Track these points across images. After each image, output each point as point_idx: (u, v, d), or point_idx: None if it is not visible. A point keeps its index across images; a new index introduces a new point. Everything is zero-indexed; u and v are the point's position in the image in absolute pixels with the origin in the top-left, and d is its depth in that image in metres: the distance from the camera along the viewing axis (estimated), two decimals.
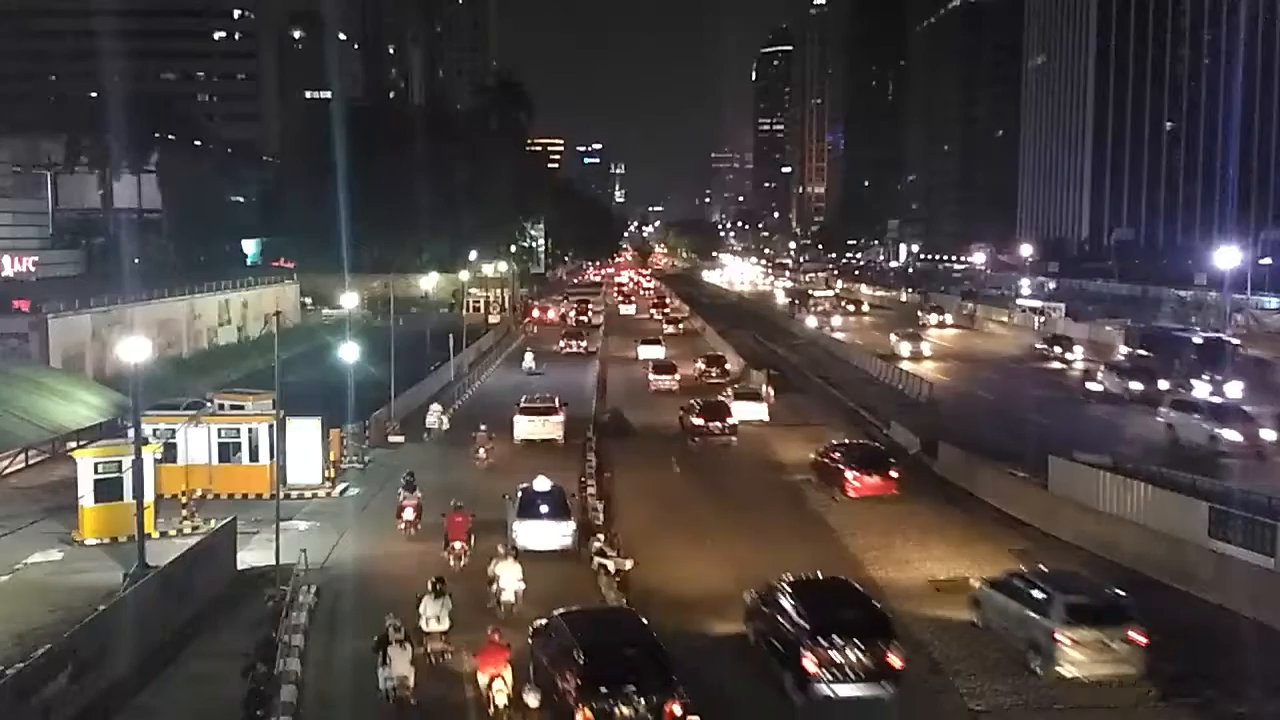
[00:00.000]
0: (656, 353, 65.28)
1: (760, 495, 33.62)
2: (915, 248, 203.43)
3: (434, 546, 25.52)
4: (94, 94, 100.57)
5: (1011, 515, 30.05)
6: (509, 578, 21.80)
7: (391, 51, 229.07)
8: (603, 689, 16.03)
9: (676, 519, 30.44)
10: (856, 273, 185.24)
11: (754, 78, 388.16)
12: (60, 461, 34.72)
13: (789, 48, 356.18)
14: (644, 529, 28.75)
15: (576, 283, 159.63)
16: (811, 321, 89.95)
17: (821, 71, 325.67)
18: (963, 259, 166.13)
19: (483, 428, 38.07)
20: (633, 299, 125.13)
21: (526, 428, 39.78)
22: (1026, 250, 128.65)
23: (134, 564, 23.71)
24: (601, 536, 26.29)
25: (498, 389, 54.76)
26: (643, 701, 15.99)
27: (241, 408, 35.05)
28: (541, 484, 27.20)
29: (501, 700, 16.87)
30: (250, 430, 32.26)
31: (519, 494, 27.04)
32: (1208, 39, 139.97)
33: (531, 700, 16.54)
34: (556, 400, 42.03)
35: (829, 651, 17.89)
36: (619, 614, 20.03)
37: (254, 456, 32.06)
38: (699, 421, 41.44)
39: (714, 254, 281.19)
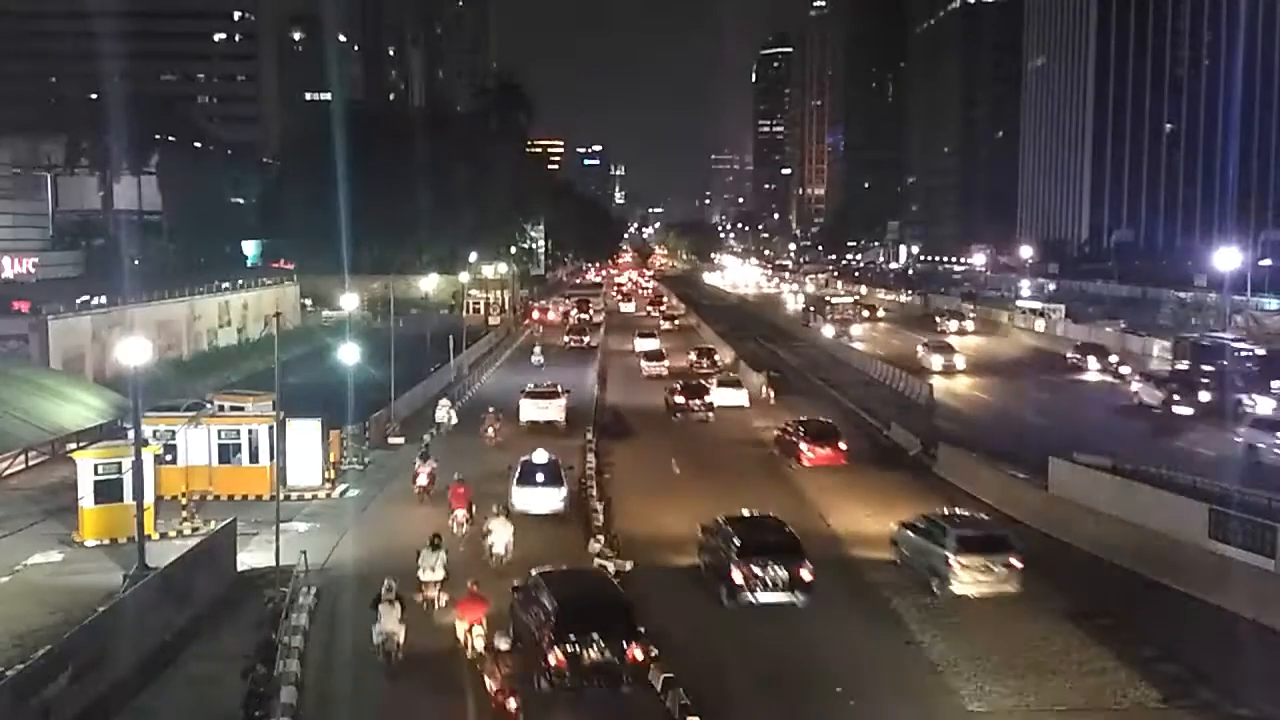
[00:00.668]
0: (651, 344, 68.32)
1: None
2: (915, 249, 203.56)
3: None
4: (94, 95, 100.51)
5: (1010, 515, 30.06)
6: (500, 533, 25.05)
7: (391, 53, 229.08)
8: (572, 635, 18.13)
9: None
10: (856, 274, 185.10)
11: (754, 79, 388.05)
12: (60, 463, 34.68)
13: (789, 49, 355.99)
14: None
15: (578, 283, 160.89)
16: (829, 330, 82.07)
17: (821, 73, 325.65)
18: (963, 260, 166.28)
19: (491, 409, 42.34)
20: (632, 298, 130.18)
21: (532, 411, 43.23)
22: (1026, 251, 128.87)
23: (134, 565, 23.71)
24: (601, 538, 26.36)
25: (499, 388, 54.91)
26: (607, 646, 18.08)
27: (241, 409, 34.97)
28: (540, 456, 30.40)
29: (479, 645, 19.08)
30: (250, 431, 32.24)
31: (520, 465, 30.26)
32: (1208, 39, 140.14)
33: (502, 644, 18.28)
34: (559, 387, 45.59)
35: (752, 568, 22.43)
36: (590, 574, 22.33)
37: (254, 458, 32.05)
38: (680, 400, 47.20)
39: (714, 255, 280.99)
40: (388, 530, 29.00)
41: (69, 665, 17.33)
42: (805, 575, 22.58)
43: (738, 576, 22.51)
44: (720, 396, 48.16)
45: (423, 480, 31.46)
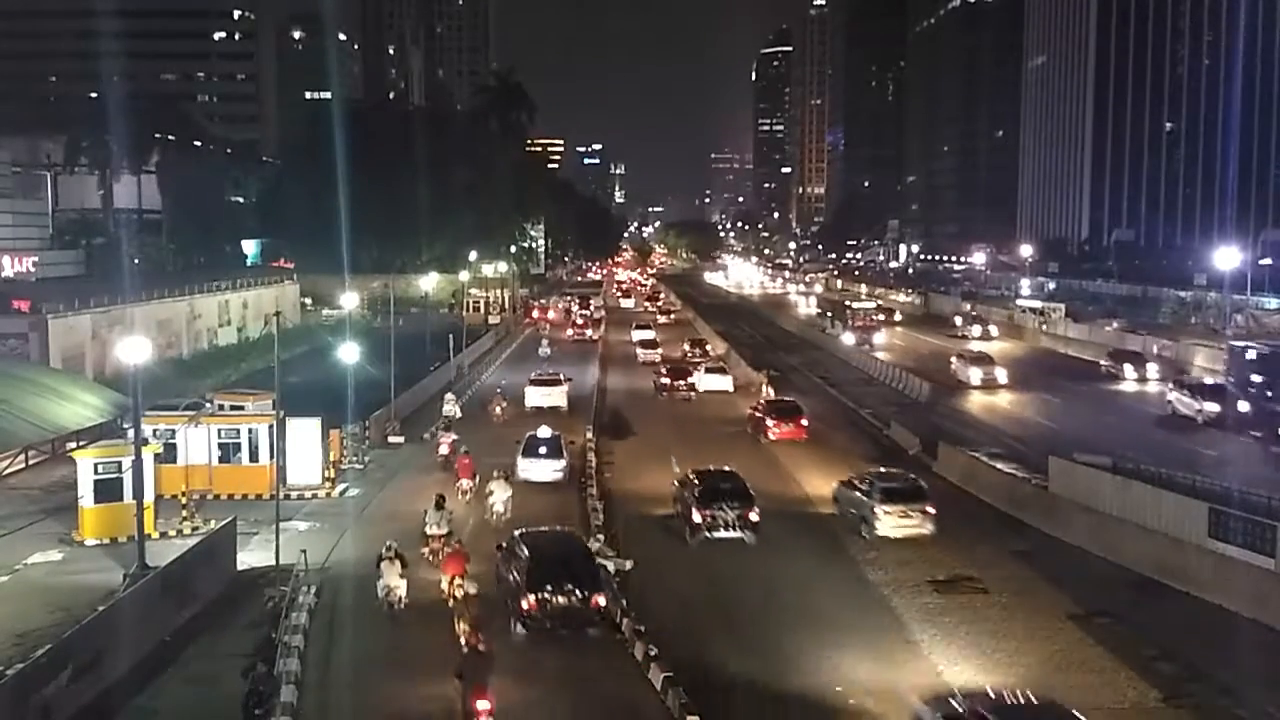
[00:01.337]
0: (647, 334, 74.65)
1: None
2: (915, 248, 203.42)
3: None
4: (94, 94, 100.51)
5: (1012, 515, 30.07)
6: (500, 494, 28.77)
7: (391, 52, 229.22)
8: (546, 584, 20.66)
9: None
10: (856, 273, 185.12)
11: (754, 78, 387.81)
12: (60, 462, 34.70)
13: (789, 48, 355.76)
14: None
15: (580, 281, 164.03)
16: (849, 338, 74.30)
17: (821, 72, 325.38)
18: (963, 259, 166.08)
19: (499, 391, 48.45)
20: (631, 294, 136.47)
21: (536, 397, 47.39)
22: (1026, 250, 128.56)
23: (134, 564, 23.72)
24: (602, 537, 26.38)
25: (503, 382, 55.15)
26: (575, 594, 20.61)
27: (241, 408, 34.94)
28: (544, 432, 34.61)
29: (459, 594, 21.93)
30: (250, 430, 32.23)
31: (526, 439, 34.33)
32: (1208, 39, 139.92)
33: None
34: (561, 375, 50.43)
35: (710, 511, 27.08)
36: (563, 534, 24.61)
37: (254, 457, 32.04)
38: (666, 381, 53.32)
39: (714, 254, 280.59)
40: (388, 529, 28.92)
41: (69, 664, 17.34)
42: (753, 517, 27.37)
43: (698, 518, 27.31)
44: (707, 382, 53.44)
45: (444, 450, 35.49)
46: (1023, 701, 16.46)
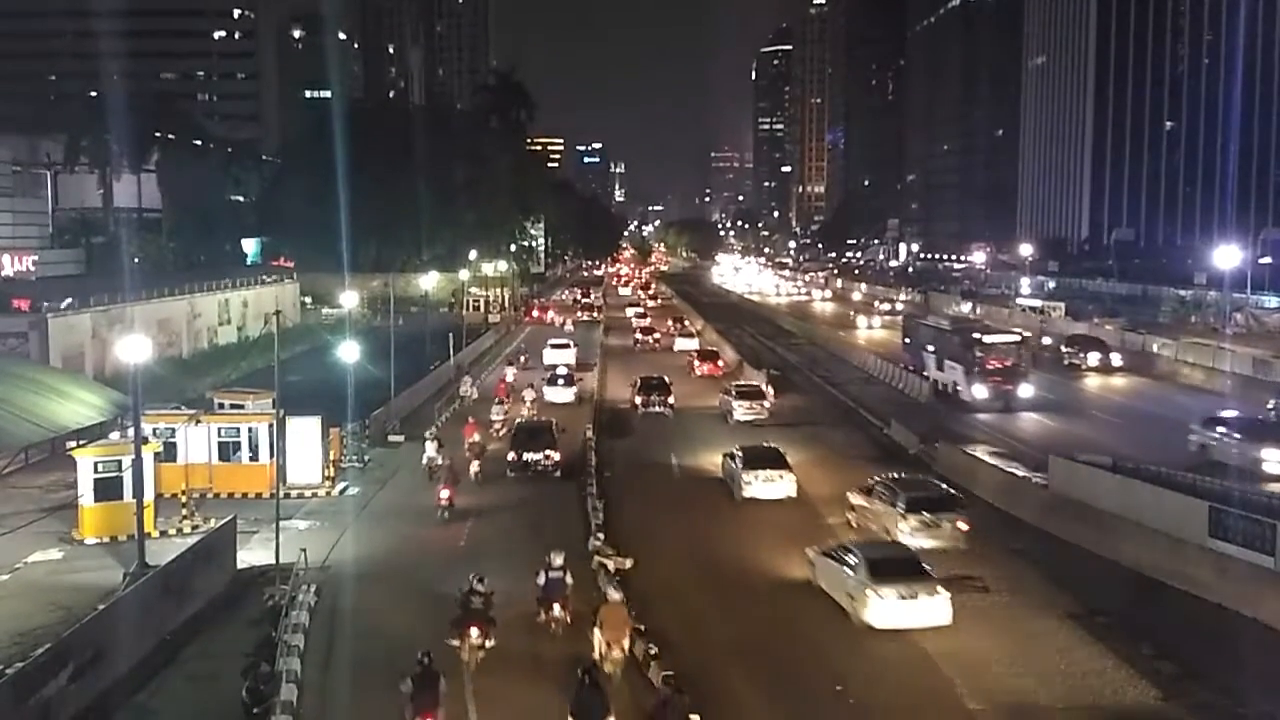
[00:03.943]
0: (639, 310, 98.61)
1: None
2: (915, 247, 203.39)
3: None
4: (94, 93, 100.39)
5: (1011, 514, 30.06)
6: (528, 396, 46.12)
7: (391, 51, 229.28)
8: (521, 445, 34.98)
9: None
10: (856, 272, 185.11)
11: (754, 77, 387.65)
12: (60, 461, 34.69)
13: (789, 47, 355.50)
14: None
15: (584, 276, 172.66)
16: (980, 390, 47.35)
17: (821, 71, 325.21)
18: (963, 258, 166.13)
19: (522, 345, 68.32)
20: (629, 285, 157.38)
21: (551, 356, 61.94)
22: (1026, 249, 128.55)
23: (134, 563, 23.74)
24: (601, 535, 26.37)
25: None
26: (539, 452, 34.57)
27: (241, 407, 35.00)
28: (562, 370, 52.81)
29: (469, 441, 35.29)
30: (250, 429, 32.27)
31: (548, 373, 52.63)
32: (1208, 39, 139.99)
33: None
34: (570, 341, 65.62)
35: (645, 396, 47.64)
36: (541, 421, 38.45)
37: (254, 456, 32.10)
38: (640, 336, 77.28)
39: (714, 253, 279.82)
40: (388, 527, 29.02)
41: (69, 663, 17.33)
42: (671, 401, 47.24)
43: (638, 400, 47.68)
44: (681, 343, 73.24)
45: (509, 378, 50.52)
46: (756, 445, 34.70)
